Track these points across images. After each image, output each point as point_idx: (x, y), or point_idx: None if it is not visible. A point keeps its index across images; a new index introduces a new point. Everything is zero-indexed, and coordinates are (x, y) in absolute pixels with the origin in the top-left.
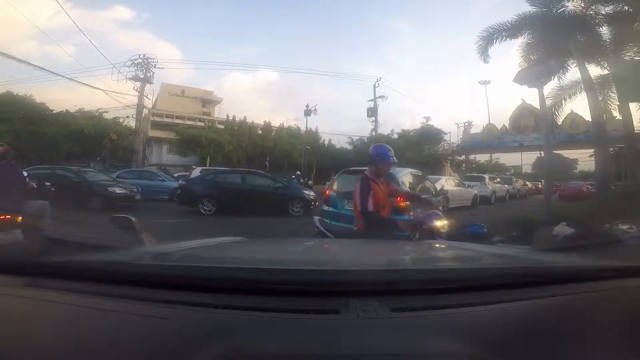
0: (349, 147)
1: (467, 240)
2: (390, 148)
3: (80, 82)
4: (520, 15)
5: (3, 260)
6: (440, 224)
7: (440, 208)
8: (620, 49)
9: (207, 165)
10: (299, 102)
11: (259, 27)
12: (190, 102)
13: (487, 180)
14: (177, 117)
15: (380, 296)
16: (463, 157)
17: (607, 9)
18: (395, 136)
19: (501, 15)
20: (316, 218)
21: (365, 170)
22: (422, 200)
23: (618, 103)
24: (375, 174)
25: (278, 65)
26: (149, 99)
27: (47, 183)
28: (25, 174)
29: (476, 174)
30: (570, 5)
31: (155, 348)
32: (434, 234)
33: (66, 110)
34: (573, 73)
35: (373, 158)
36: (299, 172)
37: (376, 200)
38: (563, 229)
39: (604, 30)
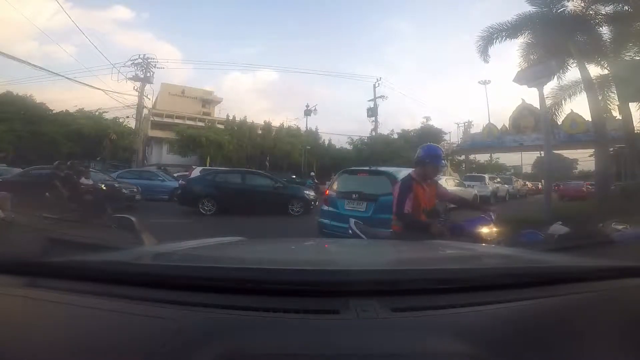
0: (349, 147)
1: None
2: (442, 149)
3: (80, 82)
4: (520, 15)
5: (3, 260)
6: (487, 230)
7: (492, 214)
8: (620, 49)
9: (207, 165)
10: (299, 102)
11: (259, 27)
12: (190, 102)
13: (487, 180)
14: (177, 117)
15: (380, 296)
16: (463, 157)
17: (607, 9)
18: (395, 136)
19: (501, 15)
20: (352, 220)
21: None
22: (472, 205)
23: (618, 103)
24: (422, 176)
25: (278, 65)
26: (149, 99)
27: (116, 185)
28: None
29: (476, 174)
30: (570, 5)
31: (155, 348)
32: (478, 240)
33: (66, 110)
34: (573, 73)
35: (422, 159)
36: (313, 173)
37: (417, 203)
38: (558, 228)
39: (604, 30)
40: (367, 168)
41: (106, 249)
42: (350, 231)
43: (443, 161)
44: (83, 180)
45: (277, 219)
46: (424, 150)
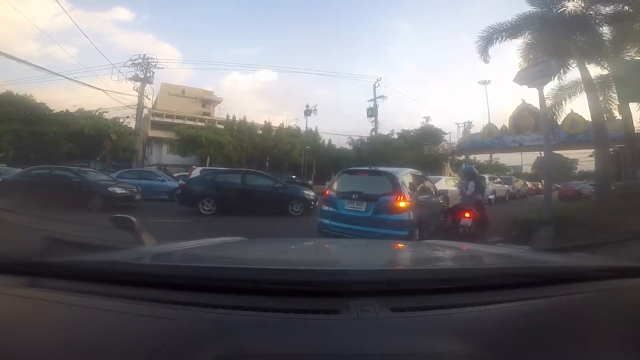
0: (349, 147)
1: None
2: None
3: (80, 82)
4: (520, 15)
5: (3, 260)
6: None
7: None
8: (620, 49)
9: (207, 165)
10: (298, 102)
11: (259, 27)
12: (190, 102)
13: (487, 180)
14: (177, 117)
15: (380, 296)
16: (463, 157)
17: (607, 9)
18: (395, 136)
19: (501, 16)
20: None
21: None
22: None
23: (618, 103)
24: None
25: (278, 65)
26: (149, 99)
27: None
28: None
29: None
30: (570, 5)
31: (155, 348)
32: None
33: (66, 110)
34: (573, 73)
35: None
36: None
37: None
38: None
39: (604, 30)
40: (367, 168)
41: (106, 249)
42: None
43: None
44: None
45: (277, 219)
46: None
